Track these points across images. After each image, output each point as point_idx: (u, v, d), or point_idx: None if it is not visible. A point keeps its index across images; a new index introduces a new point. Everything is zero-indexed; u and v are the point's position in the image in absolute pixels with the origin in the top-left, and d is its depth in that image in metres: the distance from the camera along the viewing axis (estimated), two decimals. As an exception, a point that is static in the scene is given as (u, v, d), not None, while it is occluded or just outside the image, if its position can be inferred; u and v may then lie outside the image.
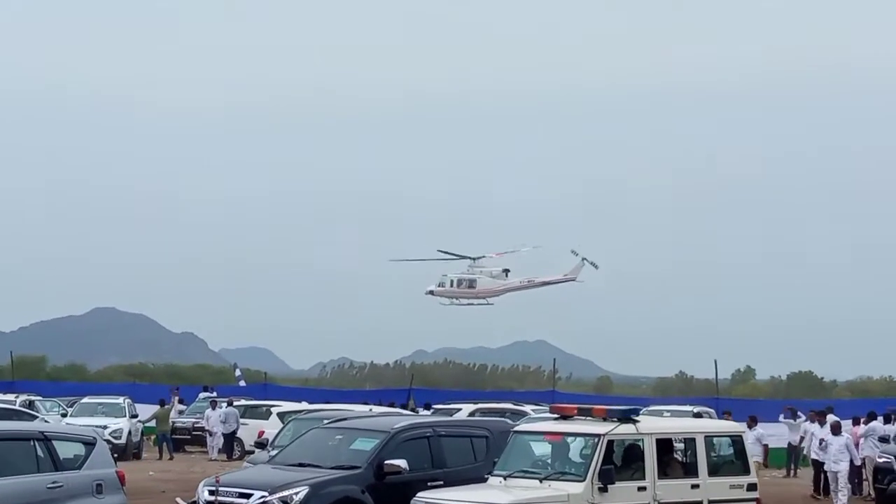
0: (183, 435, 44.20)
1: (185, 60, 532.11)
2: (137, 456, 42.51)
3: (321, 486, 17.85)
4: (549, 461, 17.41)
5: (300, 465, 18.77)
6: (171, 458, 40.93)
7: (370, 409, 28.59)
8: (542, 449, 17.66)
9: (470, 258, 78.18)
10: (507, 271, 78.22)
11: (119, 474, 17.29)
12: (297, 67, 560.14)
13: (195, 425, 44.46)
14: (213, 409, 42.56)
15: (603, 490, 16.51)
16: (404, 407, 43.15)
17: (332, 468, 18.43)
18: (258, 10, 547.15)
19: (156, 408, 44.80)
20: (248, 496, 17.73)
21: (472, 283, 77.29)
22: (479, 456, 19.41)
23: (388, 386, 76.74)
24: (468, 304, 78.74)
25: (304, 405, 38.68)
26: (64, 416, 43.03)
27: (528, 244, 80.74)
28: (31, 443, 16.45)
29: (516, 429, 18.80)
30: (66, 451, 16.82)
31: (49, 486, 16.13)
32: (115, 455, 33.41)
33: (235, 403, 43.58)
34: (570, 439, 17.41)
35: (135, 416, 44.34)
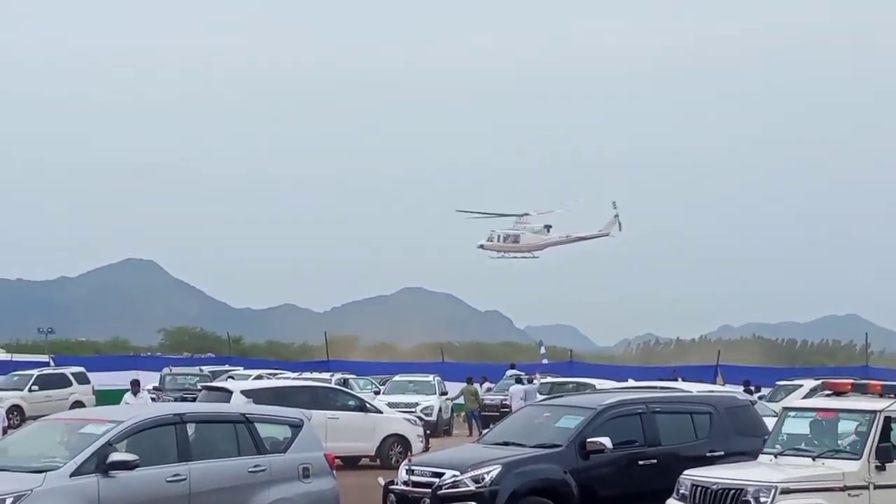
0: (491, 412, 44.83)
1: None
2: (448, 433, 43.31)
3: (515, 465, 17.19)
4: (821, 439, 16.62)
5: (504, 443, 18.18)
6: (481, 435, 41.46)
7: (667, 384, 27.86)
8: (814, 426, 16.85)
9: (516, 215, 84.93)
10: (548, 227, 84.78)
11: (328, 457, 16.71)
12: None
13: (503, 402, 44.96)
14: (517, 385, 42.81)
15: (880, 469, 15.77)
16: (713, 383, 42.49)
17: (534, 447, 17.73)
18: None
19: (464, 385, 45.51)
20: (440, 475, 17.26)
21: (516, 238, 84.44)
22: (701, 433, 18.56)
23: (694, 362, 75.78)
24: (514, 258, 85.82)
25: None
26: (377, 393, 44.15)
27: (567, 203, 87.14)
28: (233, 426, 16.01)
29: (786, 405, 18.05)
30: (270, 433, 16.35)
31: (251, 469, 15.70)
32: (428, 431, 34.29)
33: (542, 381, 43.77)
34: (843, 416, 16.59)
35: (444, 393, 45.17)
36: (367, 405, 31.20)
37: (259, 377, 43.10)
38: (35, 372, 51.06)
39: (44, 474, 14.29)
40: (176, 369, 54.04)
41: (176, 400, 41.93)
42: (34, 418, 31.68)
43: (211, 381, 42.65)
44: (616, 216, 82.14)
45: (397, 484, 17.82)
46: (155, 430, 15.36)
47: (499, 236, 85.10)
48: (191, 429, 15.58)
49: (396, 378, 47.28)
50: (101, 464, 14.51)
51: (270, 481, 15.86)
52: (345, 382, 43.82)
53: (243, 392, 28.04)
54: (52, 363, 58.94)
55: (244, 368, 53.73)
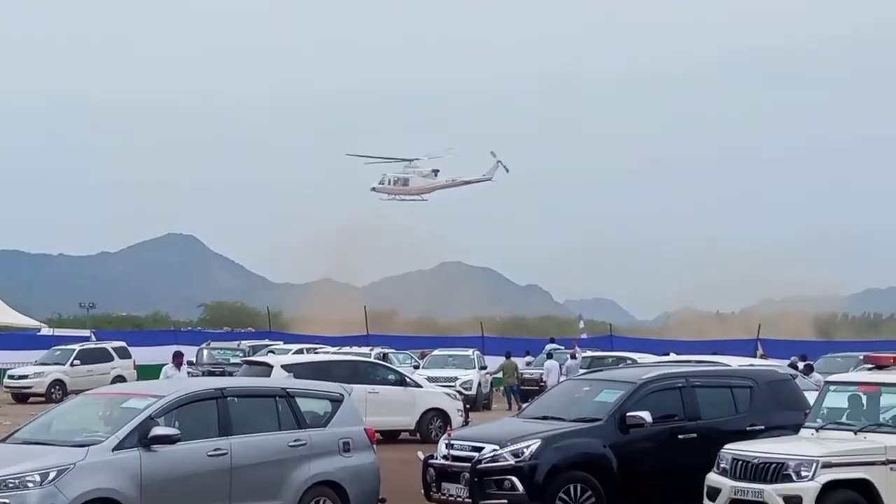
0: (531, 386, 44.83)
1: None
2: (487, 407, 43.36)
3: (555, 440, 17.13)
4: (863, 413, 16.51)
5: (544, 417, 18.12)
6: (521, 409, 41.47)
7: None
8: (856, 400, 16.74)
9: (406, 160, 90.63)
10: (436, 171, 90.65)
11: (368, 432, 16.83)
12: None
13: (542, 376, 44.95)
14: (550, 359, 42.78)
15: None
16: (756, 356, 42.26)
17: (574, 421, 17.68)
18: None
19: (502, 359, 45.51)
20: (479, 449, 17.22)
21: (406, 182, 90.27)
22: (741, 407, 18.41)
23: (736, 336, 75.43)
24: (404, 201, 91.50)
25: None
26: (416, 368, 44.23)
27: (455, 149, 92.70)
28: (273, 400, 16.11)
29: (829, 379, 17.92)
30: (311, 408, 16.42)
31: (291, 444, 15.80)
32: (468, 406, 34.34)
33: (581, 355, 43.72)
34: (886, 390, 16.44)
35: (483, 367, 45.21)
36: (407, 379, 31.29)
37: (299, 351, 43.27)
38: (77, 347, 51.46)
39: (86, 448, 14.41)
40: (215, 344, 54.34)
41: (203, 374, 42.28)
42: (76, 392, 31.90)
43: (249, 356, 42.90)
44: (498, 162, 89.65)
45: (437, 458, 17.84)
46: (196, 404, 15.46)
47: (389, 179, 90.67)
48: (232, 403, 15.67)
49: (436, 352, 47.36)
50: (142, 438, 14.63)
51: (311, 455, 15.97)
52: (384, 357, 43.96)
53: (283, 366, 28.18)
54: (93, 338, 59.36)
55: (284, 343, 53.94)
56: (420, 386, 31.33)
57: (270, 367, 28.48)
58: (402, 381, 30.87)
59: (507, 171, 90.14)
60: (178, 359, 29.44)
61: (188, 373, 39.90)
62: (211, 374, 44.40)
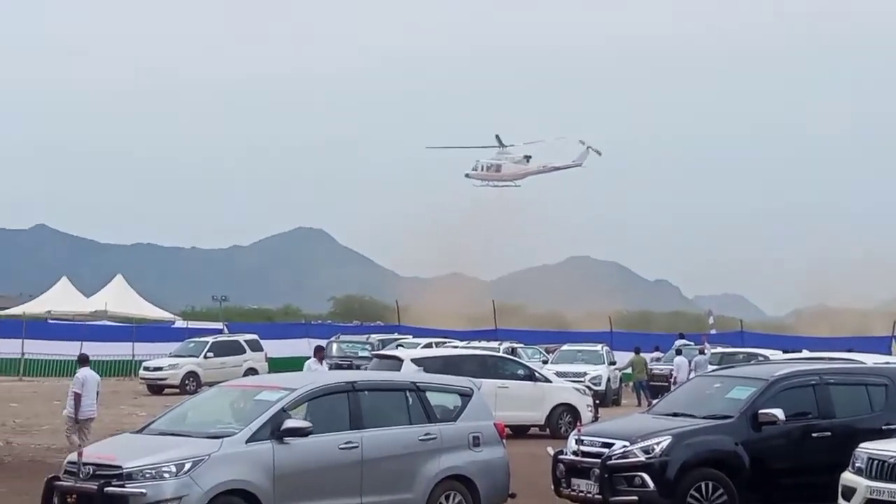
0: (660, 382, 44.47)
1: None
2: (616, 402, 43.14)
3: (686, 436, 16.96)
4: None
5: (674, 414, 17.94)
6: (650, 405, 41.19)
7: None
8: None
9: (500, 146, 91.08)
10: (528, 157, 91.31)
11: (498, 426, 16.83)
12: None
13: (672, 372, 44.56)
14: (679, 355, 42.40)
15: None
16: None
17: (705, 418, 17.49)
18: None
19: (631, 355, 45.21)
20: (609, 445, 17.11)
21: (498, 168, 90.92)
22: (877, 406, 18.02)
23: (872, 333, 73.98)
24: (497, 187, 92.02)
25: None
26: (545, 363, 44.14)
27: (553, 136, 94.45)
28: (404, 394, 16.19)
29: None
30: (440, 402, 16.52)
31: (421, 437, 15.87)
32: (597, 402, 34.20)
33: (712, 351, 43.26)
34: None
35: (613, 362, 44.94)
36: (537, 374, 31.28)
37: (428, 345, 43.46)
38: (210, 339, 52.27)
39: (220, 440, 14.62)
40: (344, 337, 54.80)
41: (330, 368, 42.73)
42: (209, 384, 32.44)
43: (377, 350, 43.20)
44: (588, 148, 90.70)
45: (566, 454, 17.79)
46: (328, 397, 15.60)
47: (482, 166, 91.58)
48: (363, 397, 15.77)
49: (564, 347, 47.19)
50: (275, 430, 14.78)
51: (441, 449, 16.04)
52: (513, 351, 43.91)
53: (414, 360, 28.33)
54: (226, 330, 60.25)
55: (413, 336, 54.20)
56: (549, 381, 31.26)
57: (401, 360, 28.67)
58: (531, 375, 30.85)
59: (600, 154, 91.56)
60: (319, 353, 29.75)
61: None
62: (338, 367, 44.79)
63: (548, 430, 29.92)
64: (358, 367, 43.16)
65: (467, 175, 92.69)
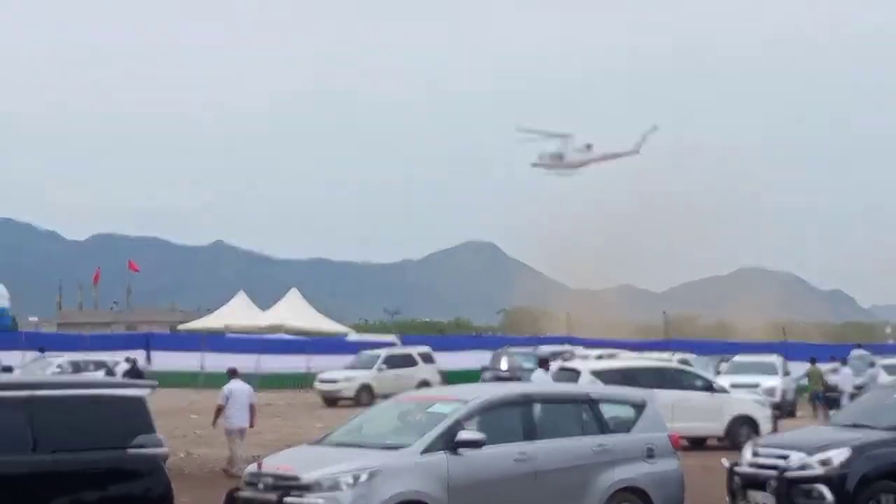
0: (836, 393, 43.46)
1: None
2: (792, 414, 42.35)
3: (866, 448, 16.55)
4: None
5: (854, 425, 17.55)
6: (828, 417, 40.42)
7: None
8: None
9: (563, 136, 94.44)
10: (589, 146, 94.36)
11: (672, 438, 16.74)
12: None
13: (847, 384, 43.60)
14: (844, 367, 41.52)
15: None
16: None
17: (885, 429, 17.03)
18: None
19: (807, 366, 44.37)
20: (785, 457, 16.81)
21: (561, 157, 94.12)
22: None
23: None
24: (561, 175, 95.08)
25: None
26: (718, 373, 43.61)
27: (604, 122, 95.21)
28: (577, 405, 16.23)
29: None
30: (614, 413, 16.48)
31: (595, 448, 15.84)
32: (777, 413, 33.71)
33: (883, 363, 42.26)
34: None
35: (788, 373, 44.18)
36: (714, 386, 31.08)
37: (600, 357, 43.29)
38: (383, 352, 52.84)
39: (396, 451, 14.80)
40: (511, 349, 54.90)
41: (491, 380, 42.97)
42: (383, 396, 32.83)
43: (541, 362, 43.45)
44: (644, 135, 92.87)
45: (742, 465, 17.62)
46: (501, 409, 15.70)
47: (548, 155, 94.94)
48: (536, 408, 15.83)
49: (737, 358, 46.50)
50: (449, 442, 14.89)
51: (615, 461, 15.99)
52: (685, 363, 43.45)
53: (592, 372, 28.42)
54: (398, 343, 60.82)
55: (584, 347, 54.03)
56: (727, 392, 31.03)
57: (578, 372, 28.77)
58: (709, 387, 30.76)
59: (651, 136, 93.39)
60: (545, 364, 29.89)
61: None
62: (498, 379, 45.00)
63: (727, 441, 29.61)
64: (519, 379, 43.38)
65: (533, 164, 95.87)
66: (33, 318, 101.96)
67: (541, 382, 25.47)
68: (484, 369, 50.39)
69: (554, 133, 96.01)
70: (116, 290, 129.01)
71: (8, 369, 51.82)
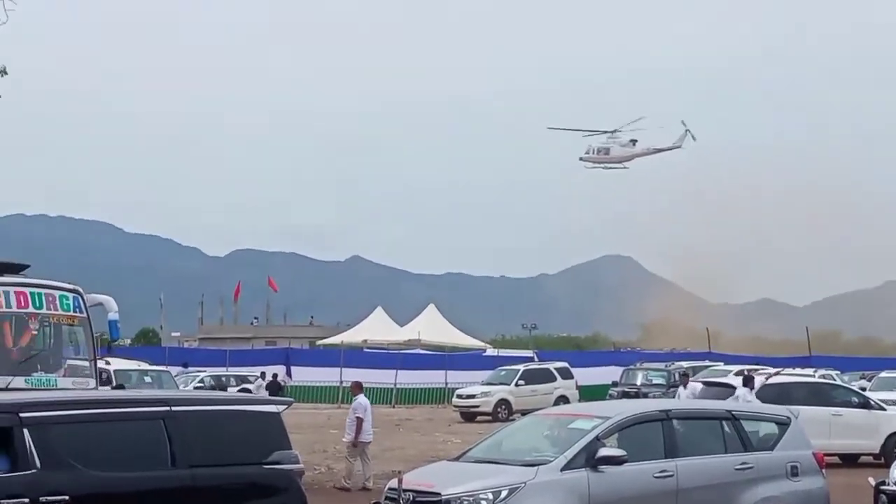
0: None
1: None
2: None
3: None
4: None
5: None
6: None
7: None
8: None
9: (608, 131, 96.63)
10: (634, 141, 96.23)
11: (817, 456, 16.35)
12: None
13: None
14: None
15: None
16: None
17: None
18: None
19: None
20: None
21: (607, 151, 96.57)
22: None
23: None
24: (608, 169, 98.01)
25: None
26: (862, 390, 42.65)
27: (649, 118, 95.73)
28: (719, 422, 16.00)
29: None
30: (757, 430, 16.22)
31: (737, 467, 15.53)
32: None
33: None
34: None
35: (938, 389, 42.98)
36: (871, 402, 30.53)
37: (739, 373, 42.57)
38: (521, 367, 52.71)
39: (536, 468, 14.65)
40: (647, 364, 54.31)
41: (618, 396, 42.60)
42: (521, 412, 32.66)
43: (675, 378, 42.93)
44: (686, 131, 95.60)
45: (889, 484, 17.17)
46: (642, 425, 15.50)
47: (594, 150, 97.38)
48: (677, 425, 15.61)
49: (883, 374, 45.45)
50: (590, 458, 14.71)
51: (757, 479, 15.66)
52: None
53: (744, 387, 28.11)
54: (536, 358, 60.61)
55: (724, 364, 53.21)
56: (884, 409, 30.43)
57: (733, 388, 28.38)
58: (865, 403, 30.36)
59: (695, 139, 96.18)
60: (750, 382, 29.48)
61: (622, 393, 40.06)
62: (625, 395, 44.61)
63: (882, 458, 28.93)
64: (646, 396, 42.89)
65: (581, 158, 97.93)
66: (176, 334, 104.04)
67: (684, 399, 25.03)
68: (614, 384, 50.06)
69: (592, 130, 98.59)
70: (255, 305, 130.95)
71: (185, 366, 54.11)
